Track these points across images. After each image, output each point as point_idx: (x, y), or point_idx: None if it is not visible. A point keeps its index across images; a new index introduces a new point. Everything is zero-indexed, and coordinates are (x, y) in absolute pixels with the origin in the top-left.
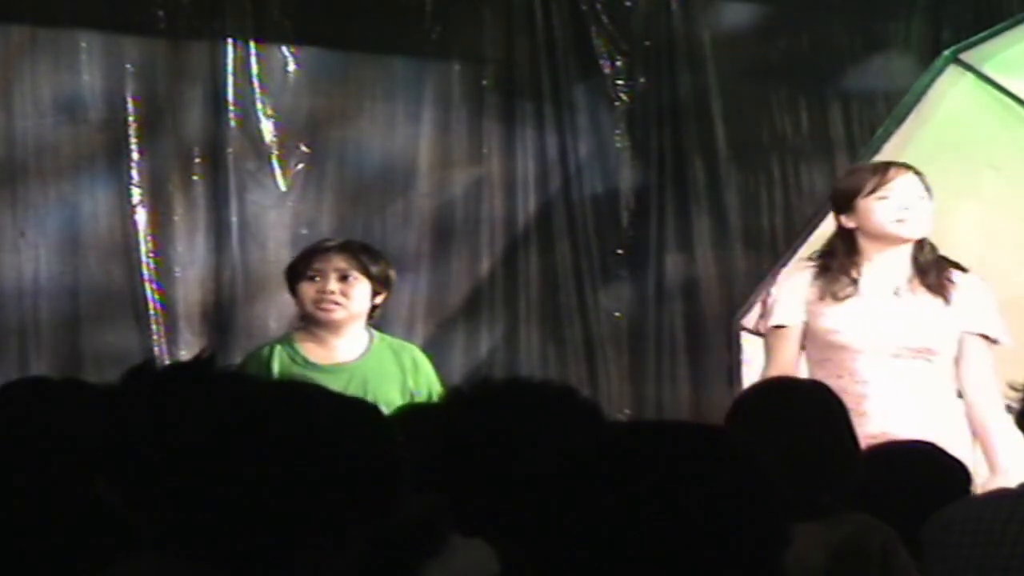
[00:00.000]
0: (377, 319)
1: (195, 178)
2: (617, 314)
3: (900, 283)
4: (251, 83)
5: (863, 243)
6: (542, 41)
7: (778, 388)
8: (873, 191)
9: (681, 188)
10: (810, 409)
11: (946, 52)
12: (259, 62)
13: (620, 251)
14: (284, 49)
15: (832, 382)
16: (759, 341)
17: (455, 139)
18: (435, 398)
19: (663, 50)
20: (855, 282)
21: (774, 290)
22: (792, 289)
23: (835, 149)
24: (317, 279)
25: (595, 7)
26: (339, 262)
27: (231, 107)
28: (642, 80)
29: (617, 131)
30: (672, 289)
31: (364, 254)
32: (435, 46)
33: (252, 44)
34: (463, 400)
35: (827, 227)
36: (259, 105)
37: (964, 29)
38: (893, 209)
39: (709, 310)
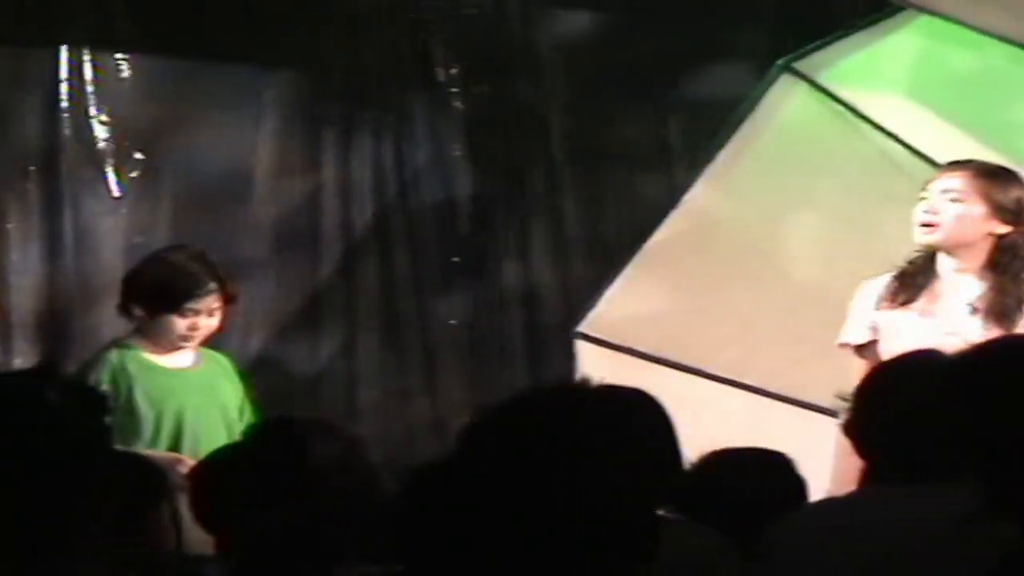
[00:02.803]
0: None
1: (29, 186)
2: (455, 322)
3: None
4: (85, 90)
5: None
6: (379, 49)
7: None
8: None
9: (519, 196)
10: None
11: (780, 61)
12: (94, 69)
13: (458, 259)
14: (119, 56)
15: None
16: (596, 350)
17: (293, 147)
18: (246, 403)
19: (502, 58)
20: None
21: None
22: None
23: (672, 157)
24: (190, 317)
25: (433, 15)
26: (212, 302)
27: (65, 114)
28: (480, 88)
29: (455, 139)
30: (511, 297)
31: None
32: (274, 54)
33: (87, 51)
34: None
35: (663, 235)
36: (93, 112)
37: (800, 39)
38: (920, 211)
39: (548, 319)
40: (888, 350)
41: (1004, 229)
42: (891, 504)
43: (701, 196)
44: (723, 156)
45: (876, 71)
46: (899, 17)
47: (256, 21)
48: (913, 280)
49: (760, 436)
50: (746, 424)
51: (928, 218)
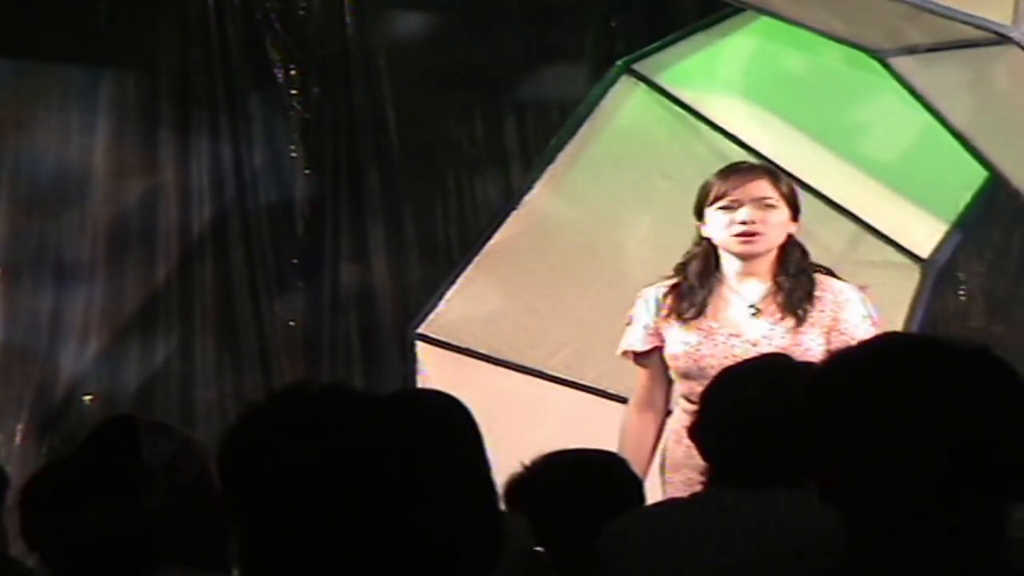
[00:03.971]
0: None
1: None
2: (292, 323)
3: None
4: None
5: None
6: (216, 50)
7: (399, 399)
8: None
9: (356, 197)
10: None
11: (619, 63)
12: None
13: (295, 260)
14: None
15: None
16: (433, 350)
17: (130, 148)
18: None
19: (337, 60)
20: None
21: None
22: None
23: (509, 159)
24: None
25: (269, 16)
26: None
27: None
28: (316, 90)
29: (292, 141)
30: (347, 298)
31: None
32: (109, 54)
33: None
34: None
35: (503, 236)
36: None
37: (638, 40)
38: (735, 223)
39: (384, 319)
40: (672, 355)
41: (794, 227)
42: (727, 508)
43: (540, 197)
44: (562, 157)
45: (714, 72)
46: (737, 19)
47: (90, 21)
48: (692, 292)
49: (595, 436)
50: (581, 424)
51: (751, 228)
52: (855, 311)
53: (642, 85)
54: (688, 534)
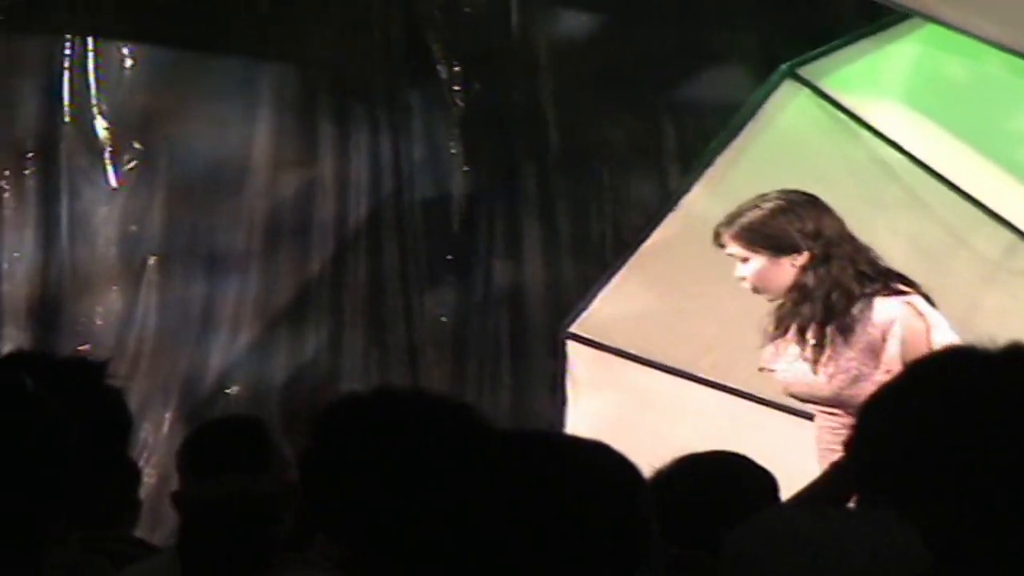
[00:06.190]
0: None
1: (27, 173)
2: (443, 319)
3: None
4: (87, 80)
5: None
6: (377, 44)
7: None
8: None
9: (512, 195)
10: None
11: (783, 66)
12: (96, 59)
13: (449, 256)
14: (121, 46)
15: None
16: (584, 349)
17: (288, 140)
18: None
19: (499, 57)
20: None
21: None
22: None
23: (666, 160)
24: None
25: (432, 12)
26: None
27: (66, 103)
28: (477, 86)
29: (451, 136)
30: (499, 295)
31: None
32: (270, 46)
33: (89, 40)
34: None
35: (659, 237)
36: (94, 102)
37: (797, 43)
38: None
39: (535, 317)
40: None
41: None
42: (858, 528)
43: (697, 200)
44: (722, 160)
45: (877, 78)
46: (903, 25)
47: (250, 12)
48: None
49: (741, 438)
50: (728, 426)
51: None
52: None
53: (805, 89)
54: (834, 547)
